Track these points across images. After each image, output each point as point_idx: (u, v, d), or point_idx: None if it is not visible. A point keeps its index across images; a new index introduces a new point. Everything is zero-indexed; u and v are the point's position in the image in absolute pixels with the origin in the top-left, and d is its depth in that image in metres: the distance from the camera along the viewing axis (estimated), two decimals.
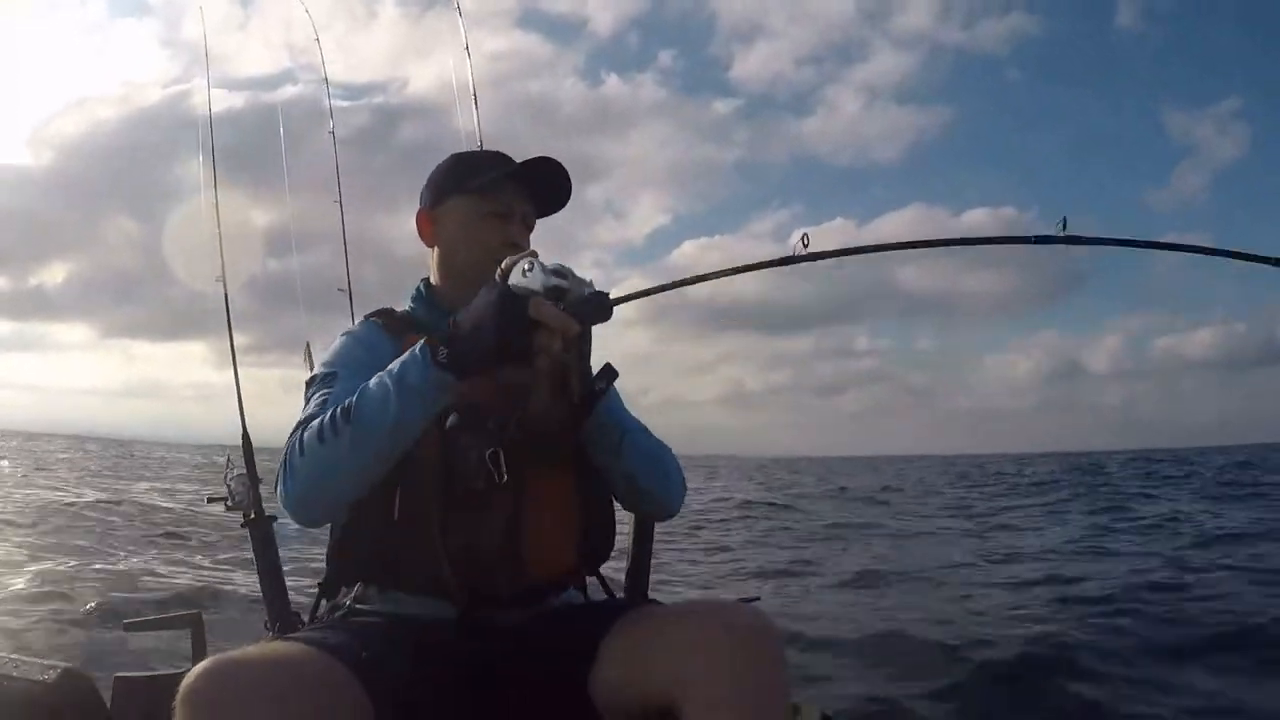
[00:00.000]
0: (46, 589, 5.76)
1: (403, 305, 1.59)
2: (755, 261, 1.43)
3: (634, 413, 1.56)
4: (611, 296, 1.28)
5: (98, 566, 6.72)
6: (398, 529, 1.31)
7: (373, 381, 1.24)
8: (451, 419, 1.33)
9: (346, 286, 2.70)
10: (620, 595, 1.68)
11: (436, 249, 1.56)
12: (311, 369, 1.51)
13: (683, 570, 7.50)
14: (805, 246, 1.40)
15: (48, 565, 6.55)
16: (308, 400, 1.37)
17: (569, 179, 1.53)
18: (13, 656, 1.70)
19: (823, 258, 1.40)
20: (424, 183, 1.60)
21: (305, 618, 1.78)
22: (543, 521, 1.37)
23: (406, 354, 1.24)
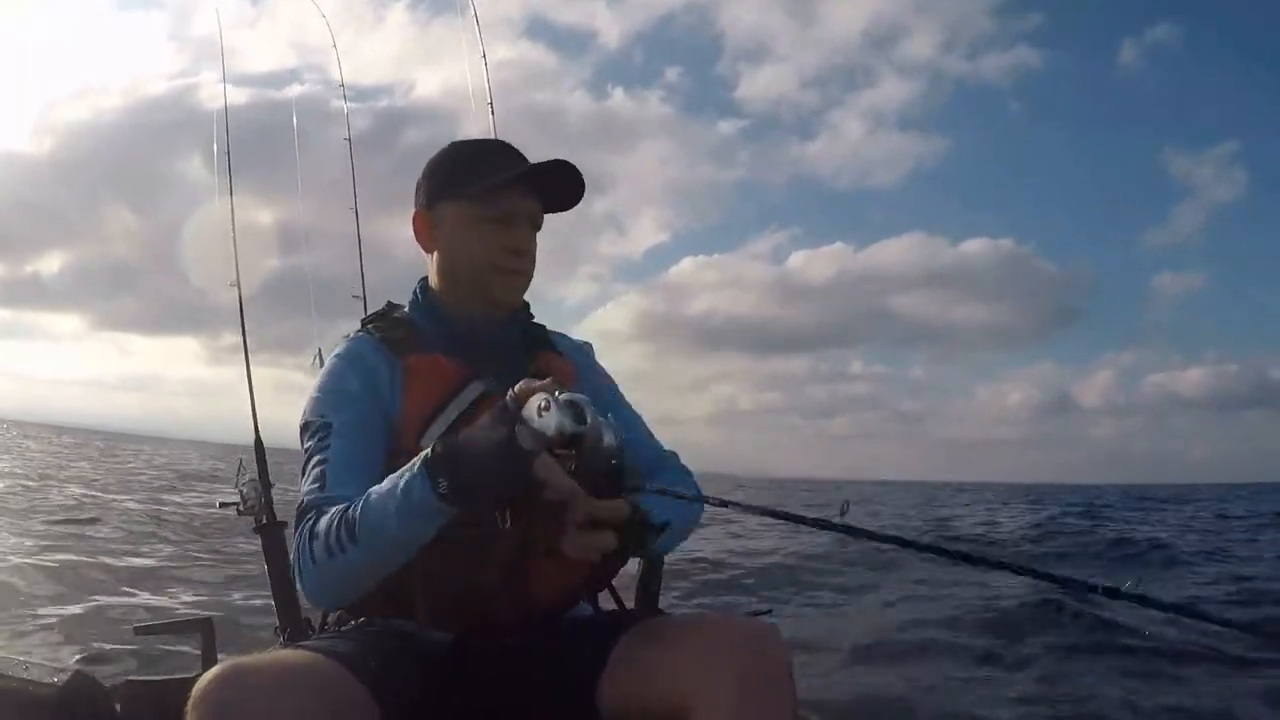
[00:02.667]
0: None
1: (405, 304, 1.52)
2: (794, 513, 1.20)
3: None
4: (635, 479, 1.24)
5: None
6: (406, 576, 1.27)
7: (374, 496, 1.20)
8: None
9: (361, 294, 2.71)
10: (630, 605, 1.66)
11: (436, 253, 1.46)
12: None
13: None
14: (842, 515, 1.30)
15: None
16: (306, 456, 1.33)
17: (581, 179, 1.43)
18: (23, 659, 1.70)
19: (858, 535, 1.19)
20: (415, 189, 1.49)
21: (316, 624, 1.78)
22: (549, 553, 1.32)
23: (406, 472, 1.18)
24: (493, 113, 2.57)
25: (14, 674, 1.60)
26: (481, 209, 1.39)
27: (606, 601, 1.61)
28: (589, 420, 1.13)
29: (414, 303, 1.49)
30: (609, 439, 1.16)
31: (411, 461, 1.18)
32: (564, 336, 1.60)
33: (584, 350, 1.59)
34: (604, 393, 1.50)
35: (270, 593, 2.12)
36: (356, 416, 1.33)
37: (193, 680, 1.03)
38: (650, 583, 1.84)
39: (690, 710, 1.11)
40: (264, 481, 2.32)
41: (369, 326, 1.46)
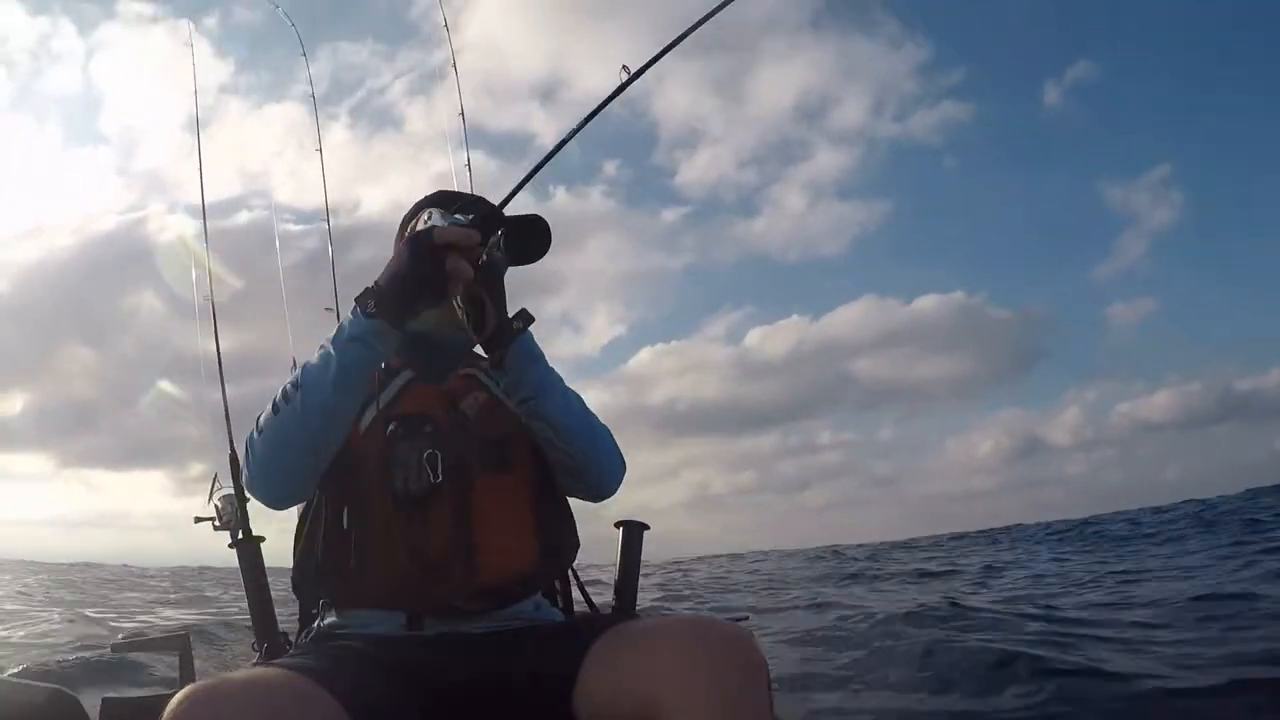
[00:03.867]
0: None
1: None
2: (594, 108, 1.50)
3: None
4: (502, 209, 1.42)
5: None
6: (347, 540, 1.35)
7: (312, 356, 1.32)
8: (391, 427, 1.39)
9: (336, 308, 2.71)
10: (608, 607, 1.68)
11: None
12: None
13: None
14: (627, 74, 1.49)
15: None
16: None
17: (548, 231, 1.45)
18: (1, 678, 1.69)
19: (645, 70, 1.50)
20: None
21: (294, 639, 1.78)
22: (492, 521, 1.39)
23: (344, 319, 1.33)
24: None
25: None
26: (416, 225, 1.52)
27: (581, 606, 1.63)
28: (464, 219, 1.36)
29: None
30: (495, 239, 1.32)
31: None
32: None
33: None
34: None
35: (249, 610, 2.12)
36: None
37: (169, 698, 1.03)
38: (627, 585, 1.86)
39: (666, 713, 1.11)
40: (239, 496, 2.30)
41: None
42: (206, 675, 1.14)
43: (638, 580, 1.88)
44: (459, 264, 1.27)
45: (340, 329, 1.31)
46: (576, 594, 1.66)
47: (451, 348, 1.54)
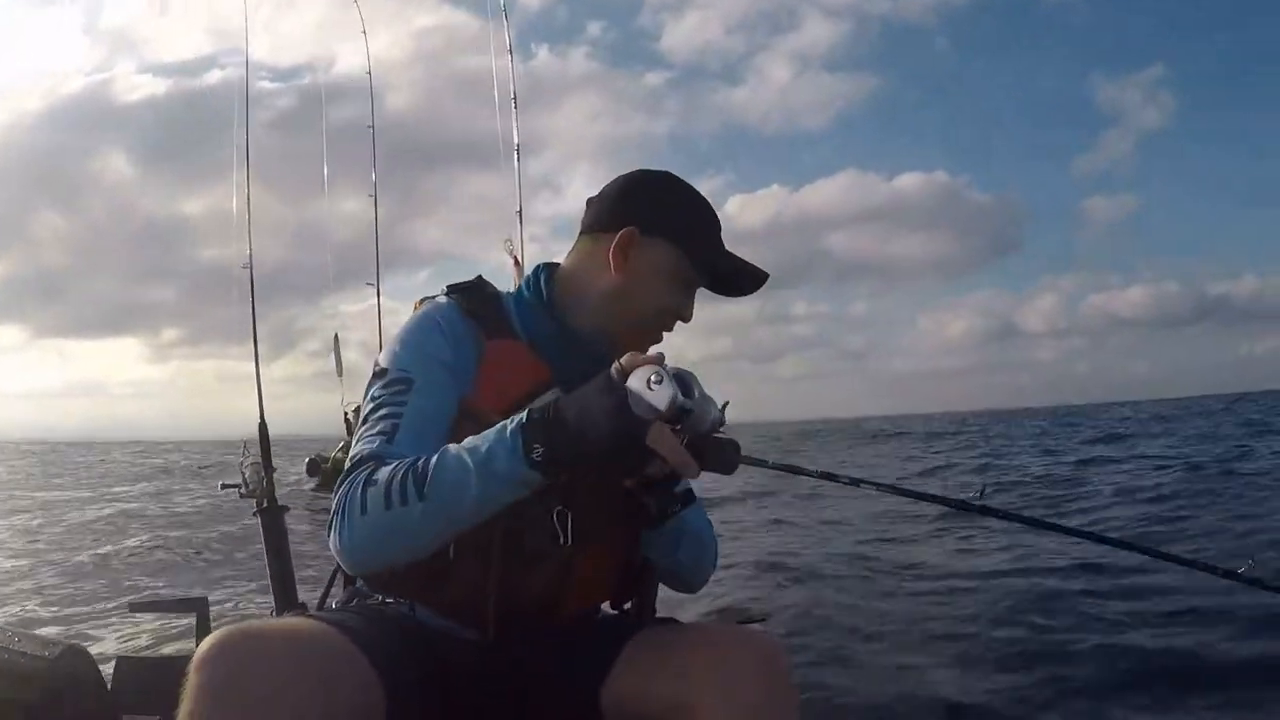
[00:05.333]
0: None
1: (495, 288, 1.41)
2: (928, 494, 1.55)
3: None
4: (741, 453, 1.17)
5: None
6: (448, 565, 1.23)
7: (453, 451, 1.13)
8: None
9: (375, 282, 2.71)
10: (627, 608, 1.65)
11: (615, 272, 1.33)
12: (339, 365, 1.46)
13: None
14: (980, 497, 1.42)
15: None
16: (372, 404, 1.24)
17: (758, 287, 1.41)
18: (16, 631, 1.69)
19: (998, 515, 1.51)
20: (623, 192, 1.38)
21: (311, 609, 1.77)
22: (589, 572, 1.32)
23: (495, 434, 1.12)
24: (516, 107, 2.57)
25: (5, 644, 1.59)
26: (691, 269, 1.35)
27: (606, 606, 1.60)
28: (697, 394, 1.10)
29: (524, 295, 1.38)
30: (715, 413, 1.13)
31: (501, 423, 1.12)
32: None
33: None
34: None
35: (269, 575, 2.12)
36: (440, 380, 1.25)
37: (185, 658, 1.02)
38: (647, 588, 1.83)
39: (692, 718, 1.09)
40: (266, 465, 2.32)
41: (456, 297, 1.36)
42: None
43: (657, 583, 1.85)
44: (661, 470, 1.13)
45: (491, 451, 1.10)
46: None
47: (594, 354, 1.30)
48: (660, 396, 1.06)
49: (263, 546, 2.19)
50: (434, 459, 1.12)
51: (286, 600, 1.97)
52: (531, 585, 1.27)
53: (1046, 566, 5.30)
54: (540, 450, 1.08)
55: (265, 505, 2.24)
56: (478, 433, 1.16)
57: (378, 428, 1.21)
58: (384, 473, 1.13)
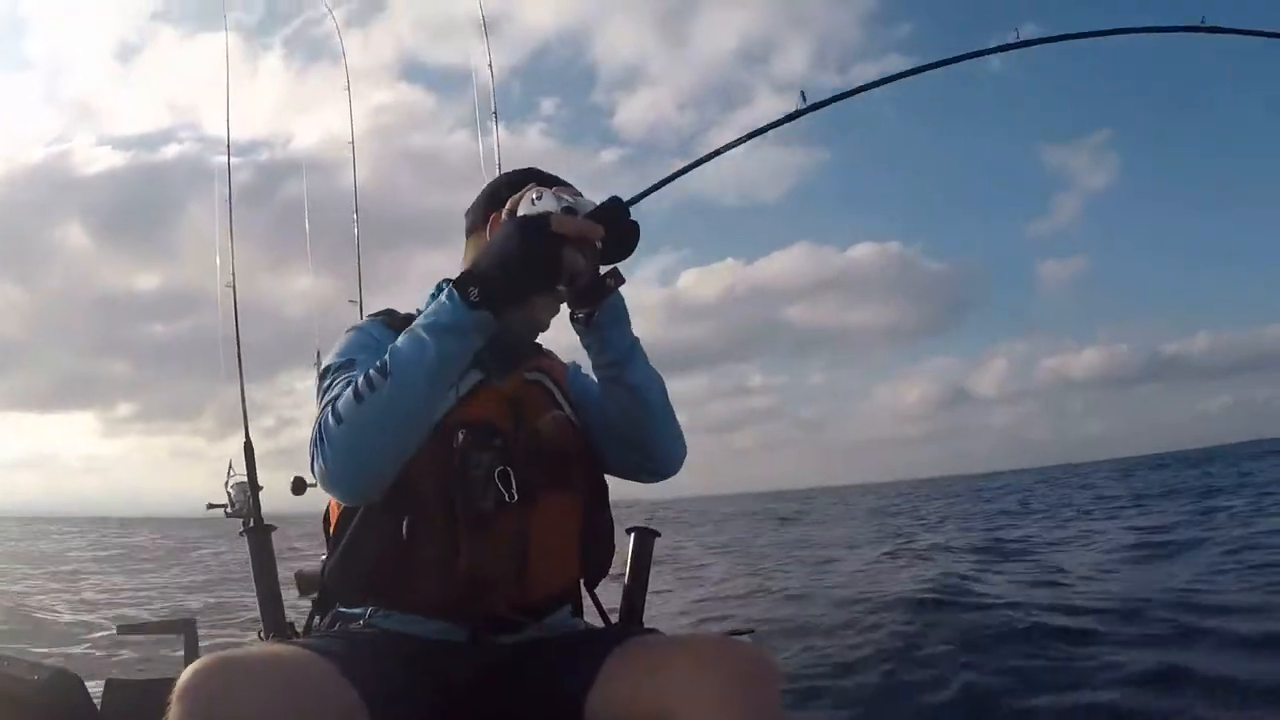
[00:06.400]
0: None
1: (407, 309, 1.51)
2: (758, 127, 1.53)
3: None
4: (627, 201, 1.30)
5: None
6: (406, 550, 1.29)
7: (400, 338, 1.22)
8: (461, 435, 1.31)
9: (358, 298, 2.73)
10: (613, 613, 1.66)
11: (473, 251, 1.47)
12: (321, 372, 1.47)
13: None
14: (805, 101, 1.50)
15: None
16: (326, 390, 1.31)
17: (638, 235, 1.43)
18: (4, 655, 1.69)
19: (824, 105, 1.53)
20: (485, 194, 1.50)
21: (299, 628, 1.77)
22: (548, 539, 1.35)
23: (432, 304, 1.23)
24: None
25: None
26: None
27: (594, 618, 1.61)
28: (579, 197, 1.29)
29: (434, 295, 1.45)
30: (590, 203, 1.28)
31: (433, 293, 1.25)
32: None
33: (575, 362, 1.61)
34: (594, 386, 1.51)
35: (256, 596, 2.12)
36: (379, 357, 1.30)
37: (173, 681, 1.02)
38: (636, 596, 1.84)
39: None
40: (252, 483, 2.32)
41: (377, 317, 1.48)
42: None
43: (647, 587, 1.86)
44: (575, 259, 1.21)
45: (434, 314, 1.21)
46: (587, 600, 1.64)
47: (518, 342, 1.45)
48: (546, 202, 1.25)
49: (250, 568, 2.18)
50: (389, 348, 1.22)
51: (274, 620, 1.97)
52: (493, 552, 1.30)
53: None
54: (475, 291, 1.19)
55: (251, 524, 2.24)
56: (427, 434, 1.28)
57: (337, 387, 1.28)
58: (348, 388, 1.22)
